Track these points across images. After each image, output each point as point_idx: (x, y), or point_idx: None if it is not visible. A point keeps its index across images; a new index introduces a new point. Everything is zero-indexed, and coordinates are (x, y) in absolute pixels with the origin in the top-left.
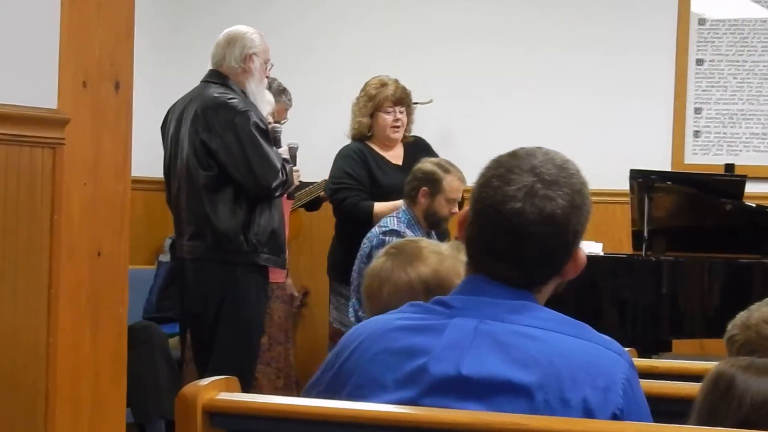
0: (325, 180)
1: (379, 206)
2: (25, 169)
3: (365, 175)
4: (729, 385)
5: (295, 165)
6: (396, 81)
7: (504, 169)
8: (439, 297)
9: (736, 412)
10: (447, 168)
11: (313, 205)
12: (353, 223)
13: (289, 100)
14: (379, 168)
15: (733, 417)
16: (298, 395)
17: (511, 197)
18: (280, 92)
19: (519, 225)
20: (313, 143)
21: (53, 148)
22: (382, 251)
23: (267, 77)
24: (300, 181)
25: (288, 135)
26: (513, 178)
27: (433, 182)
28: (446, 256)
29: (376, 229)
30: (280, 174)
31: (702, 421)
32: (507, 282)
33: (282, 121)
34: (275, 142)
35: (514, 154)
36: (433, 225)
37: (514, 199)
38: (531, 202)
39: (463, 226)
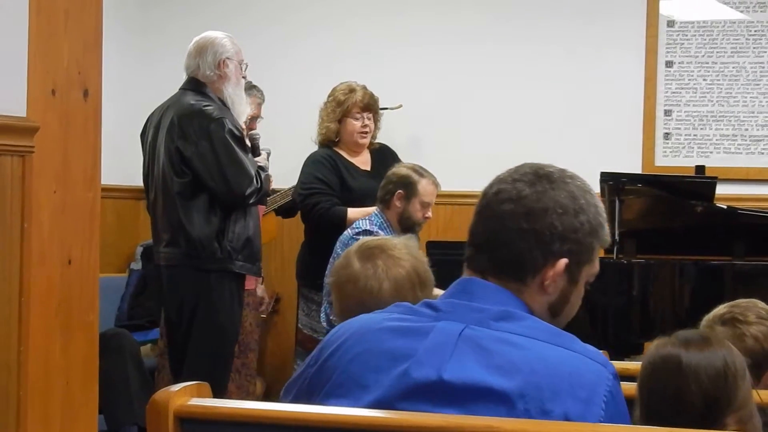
0: (293, 186)
1: (352, 212)
2: None
3: (336, 180)
4: (678, 365)
5: (260, 154)
6: (364, 87)
7: (513, 167)
8: (428, 300)
9: (696, 391)
10: (421, 172)
11: (288, 212)
12: (325, 229)
13: (260, 93)
14: (349, 173)
15: (696, 396)
16: (266, 397)
17: (499, 180)
18: (249, 88)
19: (494, 203)
20: (283, 148)
21: (22, 156)
22: (353, 255)
23: (244, 77)
24: (272, 189)
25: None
26: (513, 171)
27: (408, 185)
28: (412, 245)
29: (348, 231)
30: (255, 181)
31: (664, 412)
32: (485, 275)
33: (258, 119)
34: (254, 149)
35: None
36: (407, 229)
37: (502, 182)
38: (514, 185)
39: None
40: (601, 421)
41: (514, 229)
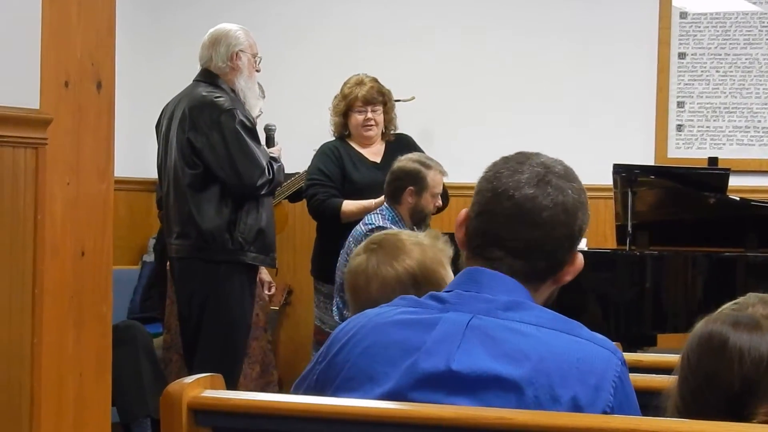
0: (305, 171)
1: (347, 204)
2: (8, 169)
3: (337, 172)
4: (724, 344)
5: (274, 145)
6: (373, 80)
7: (514, 163)
8: (434, 292)
9: (737, 372)
10: (428, 164)
11: (296, 196)
12: (322, 220)
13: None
14: (353, 166)
15: (735, 377)
16: (280, 389)
17: (525, 183)
18: None
19: (533, 209)
20: (296, 136)
21: (35, 148)
22: (360, 247)
23: (257, 71)
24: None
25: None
26: (525, 169)
27: (417, 180)
28: (427, 247)
29: (360, 226)
30: (266, 172)
31: (698, 387)
32: (508, 273)
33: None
34: (269, 141)
35: (520, 153)
36: (418, 221)
37: (529, 185)
38: (544, 189)
39: (462, 226)
40: (610, 406)
41: (556, 237)
